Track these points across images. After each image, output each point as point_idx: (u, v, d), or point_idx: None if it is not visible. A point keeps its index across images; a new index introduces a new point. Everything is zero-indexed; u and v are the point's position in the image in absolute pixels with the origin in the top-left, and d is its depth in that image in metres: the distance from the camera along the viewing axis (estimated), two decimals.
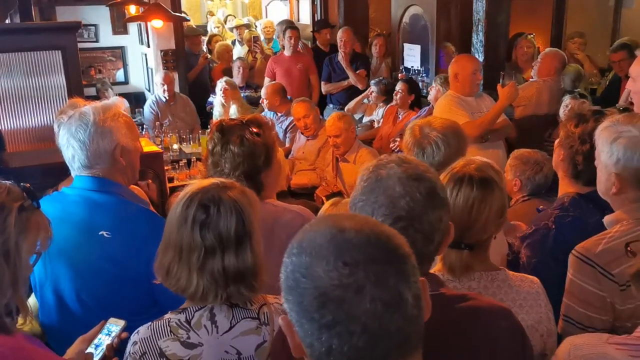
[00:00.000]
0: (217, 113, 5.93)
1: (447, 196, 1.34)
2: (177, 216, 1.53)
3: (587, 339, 1.49)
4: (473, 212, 1.65)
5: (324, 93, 6.49)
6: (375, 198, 1.26)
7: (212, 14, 11.13)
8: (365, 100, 6.00)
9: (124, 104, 2.11)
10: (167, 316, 1.55)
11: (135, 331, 1.58)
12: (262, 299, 1.59)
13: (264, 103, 5.61)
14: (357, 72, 6.21)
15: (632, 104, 2.50)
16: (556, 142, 2.27)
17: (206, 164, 2.12)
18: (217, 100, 5.94)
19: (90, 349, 1.67)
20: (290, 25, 7.03)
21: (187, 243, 1.50)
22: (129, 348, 1.55)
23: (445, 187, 1.67)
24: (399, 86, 5.27)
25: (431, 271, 1.68)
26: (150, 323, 1.55)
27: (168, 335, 1.51)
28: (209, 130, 5.89)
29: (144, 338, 1.53)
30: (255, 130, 2.03)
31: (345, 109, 5.89)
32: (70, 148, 1.96)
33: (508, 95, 3.80)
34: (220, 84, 5.85)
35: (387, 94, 5.63)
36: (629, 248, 1.68)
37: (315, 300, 0.85)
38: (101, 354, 1.66)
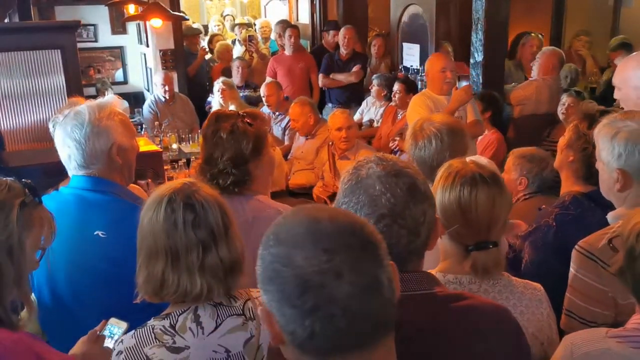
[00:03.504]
0: None
1: (430, 190, 1.33)
2: (161, 223, 1.50)
3: (586, 335, 1.50)
4: (495, 209, 1.63)
5: (321, 86, 6.45)
6: (357, 199, 1.26)
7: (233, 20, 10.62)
8: (370, 99, 5.98)
9: (122, 104, 2.10)
10: (150, 323, 1.52)
11: (119, 340, 1.55)
12: (245, 294, 1.58)
13: (265, 101, 5.60)
14: (353, 68, 6.22)
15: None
16: (562, 142, 2.23)
17: (201, 153, 2.16)
18: (215, 100, 5.92)
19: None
20: (290, 24, 7.02)
21: (183, 245, 1.49)
22: (114, 359, 1.52)
23: (454, 189, 1.64)
24: (396, 87, 5.26)
25: (434, 270, 1.67)
26: (133, 331, 1.53)
27: (153, 342, 1.49)
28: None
29: (129, 347, 1.50)
30: (248, 120, 2.09)
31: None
32: (66, 148, 1.94)
33: (458, 97, 3.77)
34: (218, 85, 5.82)
35: (388, 88, 5.64)
36: (611, 244, 1.67)
37: (297, 287, 0.88)
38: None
